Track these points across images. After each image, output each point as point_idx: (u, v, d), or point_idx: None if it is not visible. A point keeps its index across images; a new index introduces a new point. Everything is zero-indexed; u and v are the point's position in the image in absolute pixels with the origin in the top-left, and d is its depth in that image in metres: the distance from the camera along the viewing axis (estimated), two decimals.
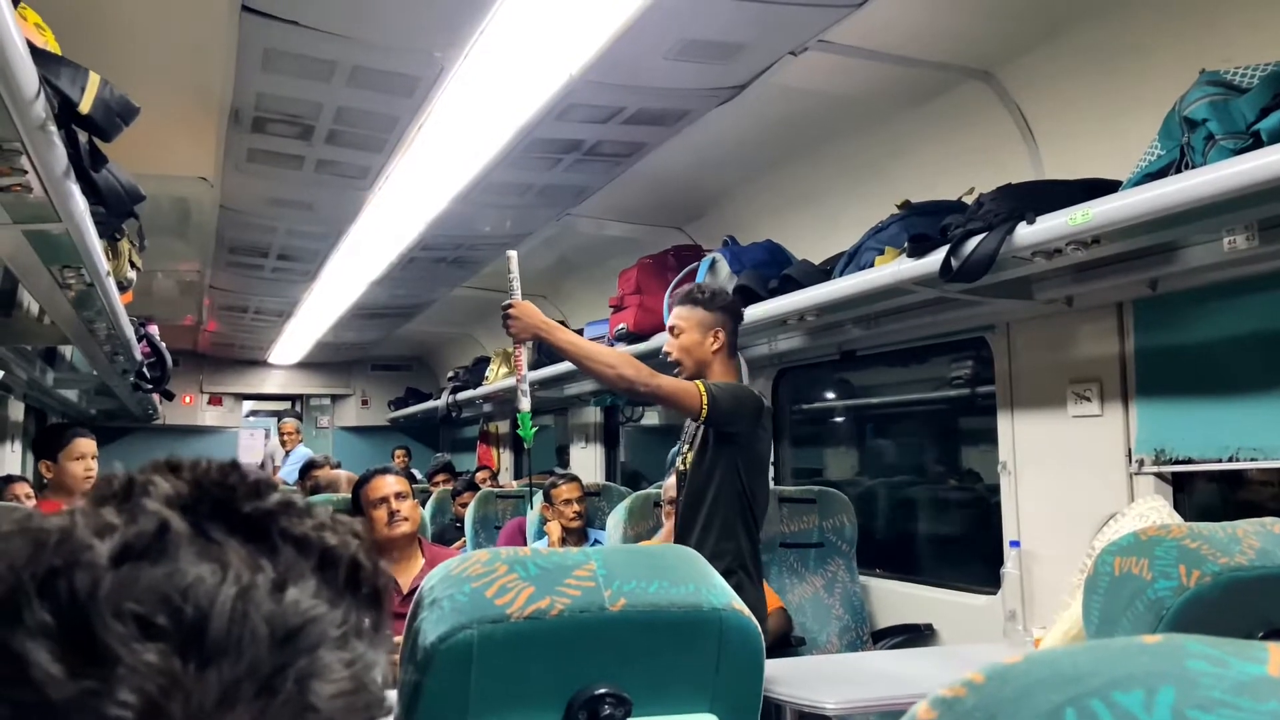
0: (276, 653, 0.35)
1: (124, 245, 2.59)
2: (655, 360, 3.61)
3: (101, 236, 2.17)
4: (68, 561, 0.35)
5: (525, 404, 2.38)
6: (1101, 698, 0.37)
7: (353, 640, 0.38)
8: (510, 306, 2.28)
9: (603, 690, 1.10)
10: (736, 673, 1.17)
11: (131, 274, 2.75)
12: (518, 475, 7.23)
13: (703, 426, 2.29)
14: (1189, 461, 2.30)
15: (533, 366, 3.86)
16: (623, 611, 1.11)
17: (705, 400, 2.20)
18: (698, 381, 2.25)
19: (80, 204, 1.76)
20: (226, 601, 0.35)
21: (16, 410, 5.09)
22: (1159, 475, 2.37)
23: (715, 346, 2.39)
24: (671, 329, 2.43)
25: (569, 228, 4.26)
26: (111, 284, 2.52)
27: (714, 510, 2.29)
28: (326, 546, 0.40)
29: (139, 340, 3.80)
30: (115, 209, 1.77)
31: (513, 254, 2.39)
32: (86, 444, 3.07)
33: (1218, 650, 0.39)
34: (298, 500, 0.42)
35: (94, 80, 1.40)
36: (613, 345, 4.12)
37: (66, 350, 4.50)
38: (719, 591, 1.18)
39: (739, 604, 1.18)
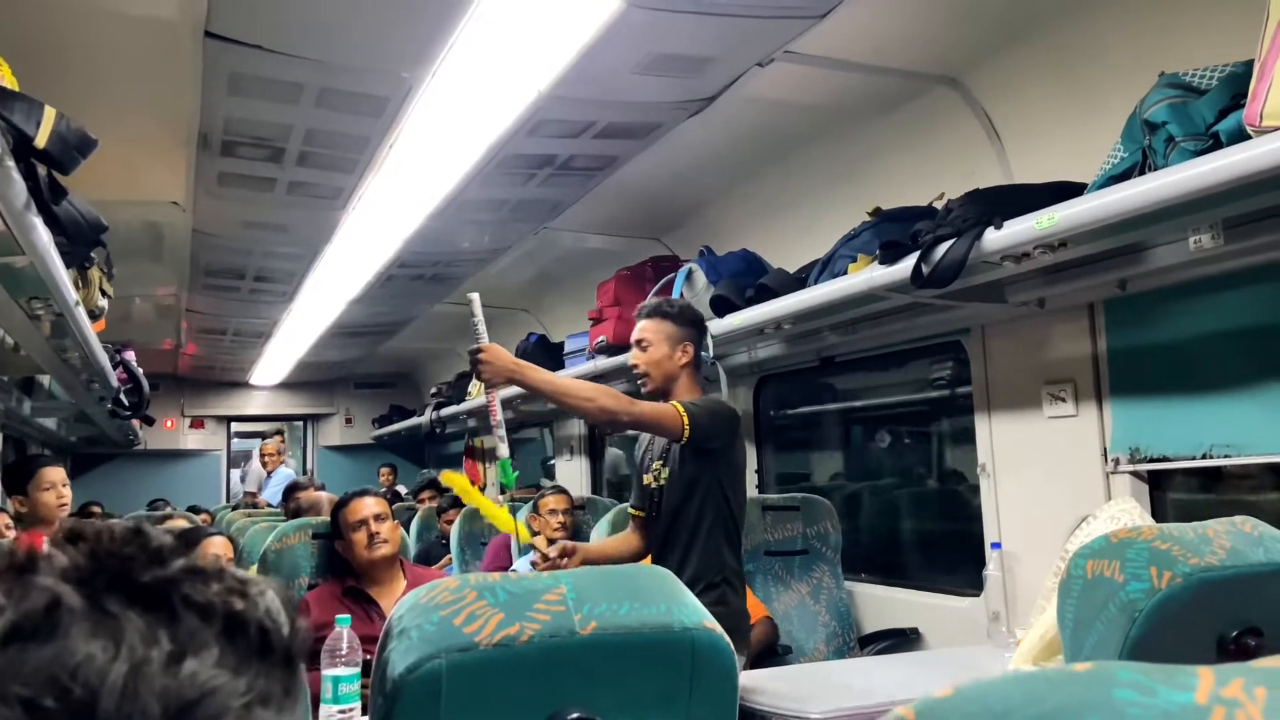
0: None
1: (94, 273, 2.57)
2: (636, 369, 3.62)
3: (69, 266, 2.16)
4: None
5: (503, 450, 2.36)
6: None
7: (257, 709, 0.38)
8: (480, 351, 2.21)
9: (576, 715, 1.09)
10: (710, 691, 1.17)
11: (103, 302, 2.73)
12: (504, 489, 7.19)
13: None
14: (1164, 459, 2.32)
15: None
16: (593, 635, 1.11)
17: (686, 422, 2.20)
18: (674, 403, 2.24)
19: (44, 236, 1.75)
20: (118, 680, 0.34)
21: None
22: (1135, 474, 2.38)
23: (684, 360, 2.39)
24: (639, 342, 2.42)
25: (547, 241, 4.27)
26: (82, 313, 2.50)
27: (698, 525, 2.28)
28: (232, 611, 0.39)
29: (115, 367, 3.77)
30: (78, 239, 1.75)
31: (474, 296, 2.31)
32: (54, 473, 3.04)
33: (1147, 678, 0.39)
34: (207, 564, 0.41)
35: (49, 114, 1.39)
36: (593, 358, 4.13)
37: (44, 379, 4.46)
38: (690, 610, 1.17)
39: (711, 622, 1.17)
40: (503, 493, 3.49)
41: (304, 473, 8.86)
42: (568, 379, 2.35)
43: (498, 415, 2.35)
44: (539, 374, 2.26)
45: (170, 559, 0.40)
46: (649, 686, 1.14)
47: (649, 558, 2.36)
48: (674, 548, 2.28)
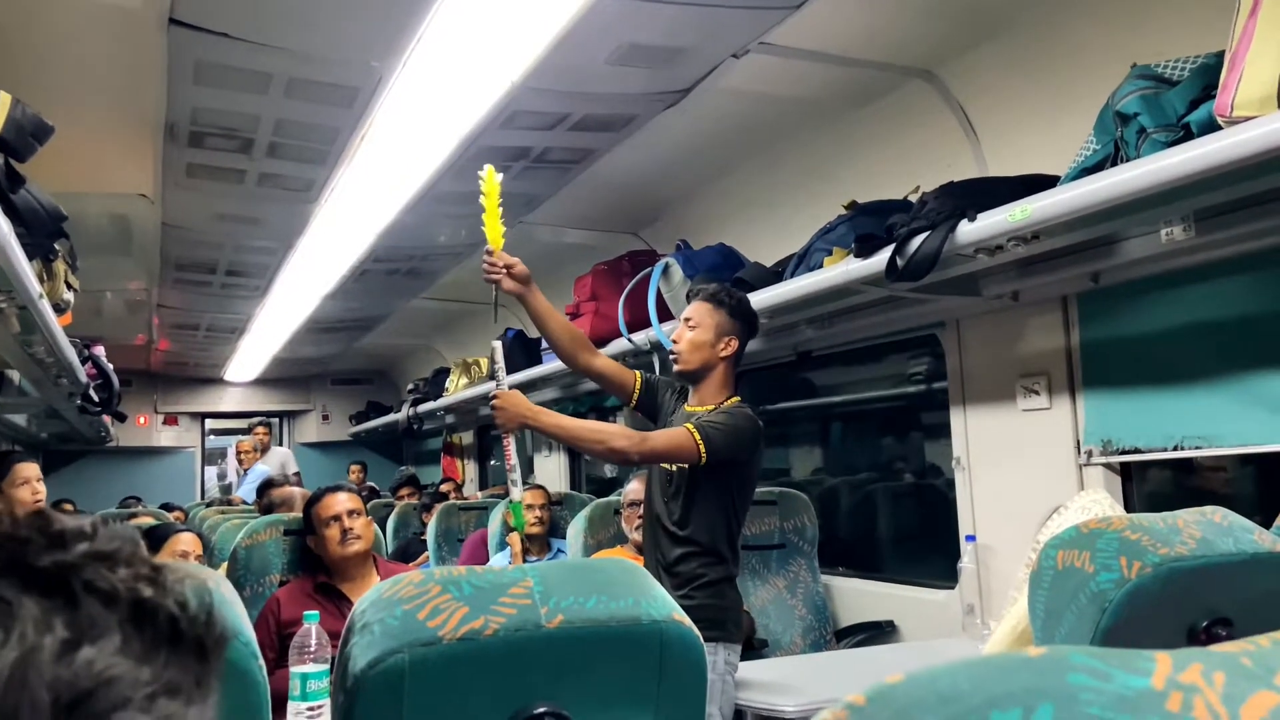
0: (62, 719, 0.33)
1: (59, 266, 2.52)
2: (632, 360, 3.59)
3: (31, 258, 2.12)
4: None
5: (516, 494, 2.36)
6: (979, 716, 0.36)
7: (162, 700, 0.36)
8: (496, 398, 2.23)
9: (542, 709, 1.08)
10: (680, 684, 1.16)
11: (69, 295, 2.68)
12: (483, 485, 7.18)
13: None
14: (1136, 451, 2.33)
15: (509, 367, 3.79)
16: (560, 628, 1.09)
17: (703, 448, 2.15)
18: (689, 427, 2.18)
19: (3, 226, 1.71)
20: (5, 668, 0.33)
21: None
22: (1107, 466, 2.39)
23: (725, 353, 2.32)
24: (686, 320, 2.34)
25: (524, 236, 4.23)
26: (47, 306, 2.45)
27: (704, 525, 2.25)
28: (139, 599, 0.37)
29: (84, 362, 3.72)
30: (37, 230, 1.72)
31: (497, 344, 2.37)
32: (28, 468, 3.00)
33: (1103, 663, 0.38)
34: (118, 549, 0.39)
35: (4, 100, 1.36)
36: None
37: (13, 375, 4.40)
38: (659, 603, 1.16)
39: (680, 615, 1.16)
40: (509, 529, 3.50)
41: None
42: (579, 422, 2.31)
43: (512, 459, 2.34)
44: (551, 418, 2.25)
45: (73, 543, 0.38)
46: (617, 680, 1.12)
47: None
48: (686, 539, 2.25)
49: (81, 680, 0.34)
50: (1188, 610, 1.41)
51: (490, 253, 2.32)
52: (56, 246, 2.31)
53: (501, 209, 2.31)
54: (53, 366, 3.35)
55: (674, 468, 2.29)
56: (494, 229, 2.31)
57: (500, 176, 2.29)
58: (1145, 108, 1.84)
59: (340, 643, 1.09)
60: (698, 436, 2.16)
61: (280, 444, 8.66)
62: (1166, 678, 0.38)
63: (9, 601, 0.35)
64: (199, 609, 0.39)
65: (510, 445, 2.35)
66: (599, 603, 1.12)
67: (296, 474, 7.42)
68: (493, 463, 7.37)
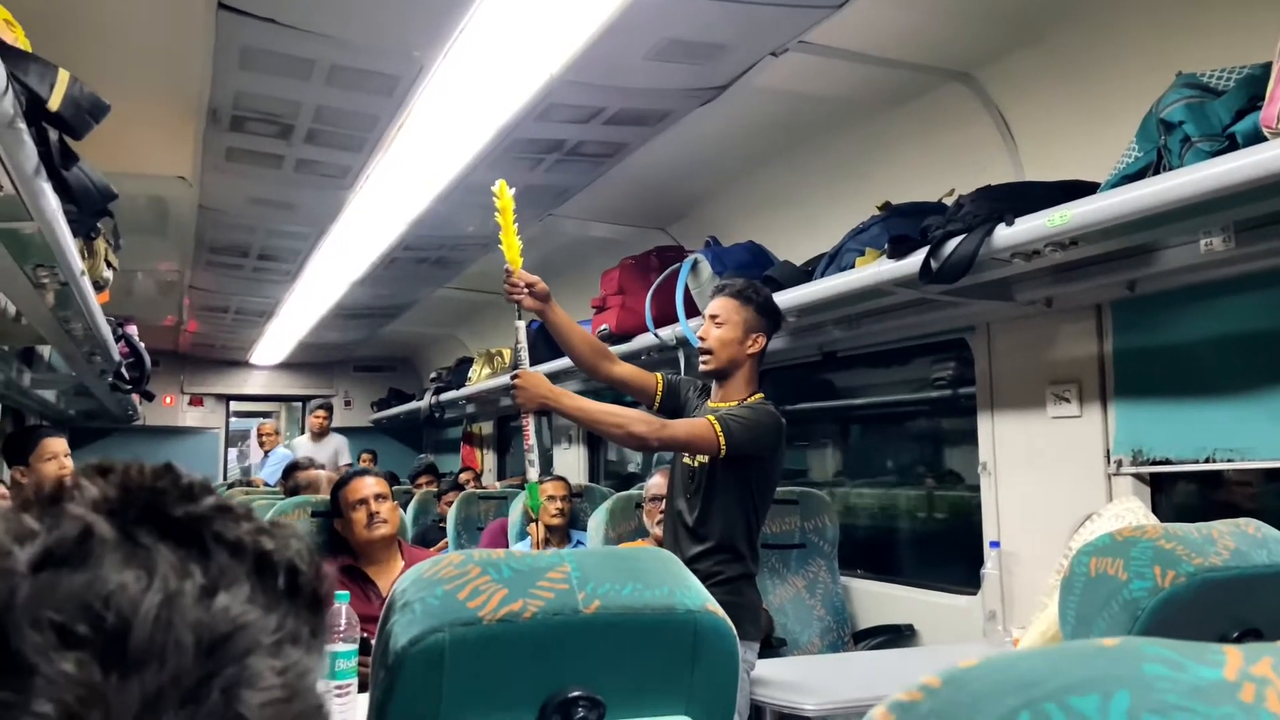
0: (202, 661, 0.34)
1: (100, 244, 2.56)
2: (640, 359, 3.61)
3: (76, 235, 2.15)
4: None
5: (533, 474, 2.36)
6: (1056, 702, 0.37)
7: (287, 647, 0.37)
8: (518, 377, 2.25)
9: (576, 693, 1.09)
10: (712, 675, 1.17)
11: (108, 273, 2.72)
12: (501, 476, 7.21)
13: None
14: (1166, 462, 2.32)
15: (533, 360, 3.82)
16: (596, 614, 1.10)
17: (723, 440, 2.15)
18: (710, 418, 2.18)
19: (52, 202, 1.74)
20: (150, 609, 0.34)
21: None
22: (1137, 476, 2.38)
23: (752, 350, 2.32)
24: (713, 317, 2.34)
25: (551, 228, 4.25)
26: (87, 283, 2.49)
27: (723, 522, 2.25)
28: (262, 551, 0.39)
29: (117, 340, 3.76)
30: (87, 207, 1.75)
31: (521, 325, 2.37)
32: (56, 443, 3.03)
33: (1175, 653, 0.39)
34: (235, 504, 0.41)
35: (63, 77, 1.38)
36: None
37: (44, 350, 4.45)
38: (693, 593, 1.17)
39: (713, 605, 1.17)
40: (530, 519, 3.52)
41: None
42: (598, 405, 2.30)
43: (530, 439, 2.34)
44: (572, 400, 2.27)
45: (200, 496, 0.39)
46: (650, 667, 1.13)
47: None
48: (706, 535, 2.26)
49: (220, 624, 0.35)
50: (1219, 621, 1.40)
51: (510, 272, 2.32)
52: (99, 225, 2.35)
53: (517, 214, 2.33)
54: (87, 343, 3.40)
55: (695, 464, 2.30)
56: (511, 246, 2.32)
57: (513, 190, 2.29)
58: (1190, 116, 1.83)
59: (380, 620, 1.10)
60: (718, 428, 2.16)
61: (302, 430, 8.66)
62: (1239, 670, 0.38)
63: (147, 548, 0.36)
64: (312, 562, 0.41)
65: (529, 425, 2.36)
66: (634, 590, 1.14)
67: (348, 465, 6.96)
68: (511, 453, 7.41)
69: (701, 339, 2.37)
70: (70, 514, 0.36)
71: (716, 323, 2.34)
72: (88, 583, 0.34)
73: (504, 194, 2.28)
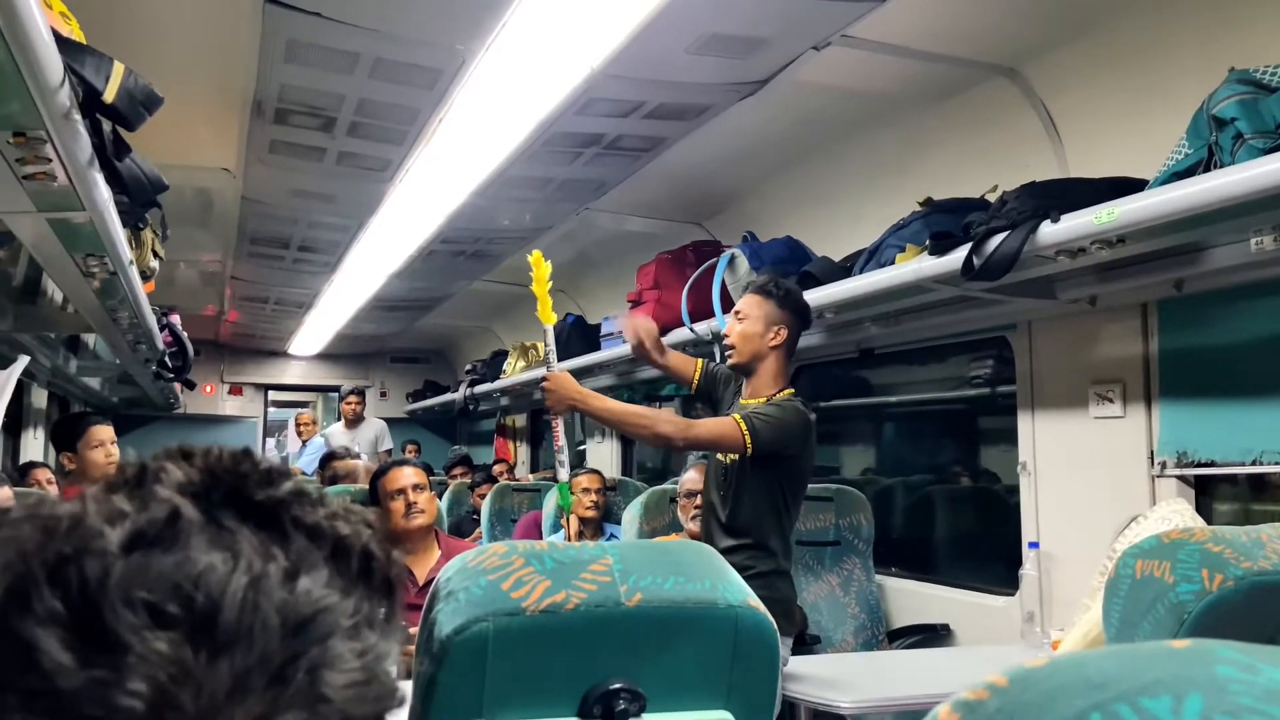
0: (288, 642, 0.35)
1: (147, 235, 2.60)
2: (693, 350, 3.61)
3: (125, 226, 2.19)
4: (78, 549, 0.35)
5: (564, 474, 2.45)
6: (1128, 703, 0.36)
7: (365, 630, 0.38)
8: (546, 380, 2.31)
9: (618, 685, 1.10)
10: (752, 670, 1.17)
11: (154, 263, 2.76)
12: (534, 468, 7.24)
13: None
14: (1211, 464, 2.28)
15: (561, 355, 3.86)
16: (638, 607, 1.11)
17: (749, 438, 2.18)
18: (736, 417, 2.21)
19: (104, 193, 1.77)
20: (238, 590, 0.35)
21: (40, 398, 5.15)
22: (1181, 478, 2.34)
23: (774, 342, 2.36)
24: (736, 313, 2.42)
25: (588, 222, 4.26)
26: (134, 273, 2.53)
27: (752, 518, 2.27)
28: (339, 536, 0.40)
29: (161, 329, 3.83)
30: (138, 198, 1.78)
31: (549, 327, 2.42)
32: (104, 431, 3.09)
33: (1247, 656, 0.38)
34: (310, 489, 0.41)
35: (118, 69, 1.41)
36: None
37: (90, 339, 4.55)
38: (735, 588, 1.17)
39: (755, 601, 1.17)
40: (561, 515, 3.56)
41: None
42: (626, 406, 2.37)
43: (560, 440, 2.39)
44: (600, 402, 2.32)
45: (279, 481, 0.40)
46: (691, 661, 1.14)
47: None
48: (731, 530, 2.28)
49: (303, 607, 0.36)
50: (1267, 625, 1.38)
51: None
52: (147, 216, 2.39)
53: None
54: (132, 332, 3.46)
55: (727, 460, 2.32)
56: (547, 315, 2.40)
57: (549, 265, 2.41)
58: (1243, 113, 1.80)
59: (424, 608, 1.12)
60: (744, 427, 2.18)
61: (338, 419, 8.70)
62: None
63: (231, 531, 0.37)
64: (384, 548, 0.41)
65: (559, 427, 2.40)
66: (676, 584, 1.14)
67: (388, 451, 6.79)
68: (544, 446, 7.44)
69: (725, 335, 2.43)
70: (159, 496, 0.37)
71: (739, 318, 2.40)
72: (177, 564, 0.35)
73: (540, 265, 2.38)
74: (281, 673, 0.35)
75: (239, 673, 0.34)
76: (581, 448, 6.13)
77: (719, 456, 2.37)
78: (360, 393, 7.23)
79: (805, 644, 2.98)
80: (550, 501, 3.96)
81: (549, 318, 2.40)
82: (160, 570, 0.35)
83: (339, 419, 7.58)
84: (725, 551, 2.25)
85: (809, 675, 2.26)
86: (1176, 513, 1.85)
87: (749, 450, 2.18)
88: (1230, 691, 0.36)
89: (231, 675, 0.34)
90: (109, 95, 1.37)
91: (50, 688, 0.32)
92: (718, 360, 3.53)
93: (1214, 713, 0.36)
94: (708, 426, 2.26)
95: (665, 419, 2.26)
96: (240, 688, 0.34)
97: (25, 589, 0.34)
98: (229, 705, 0.33)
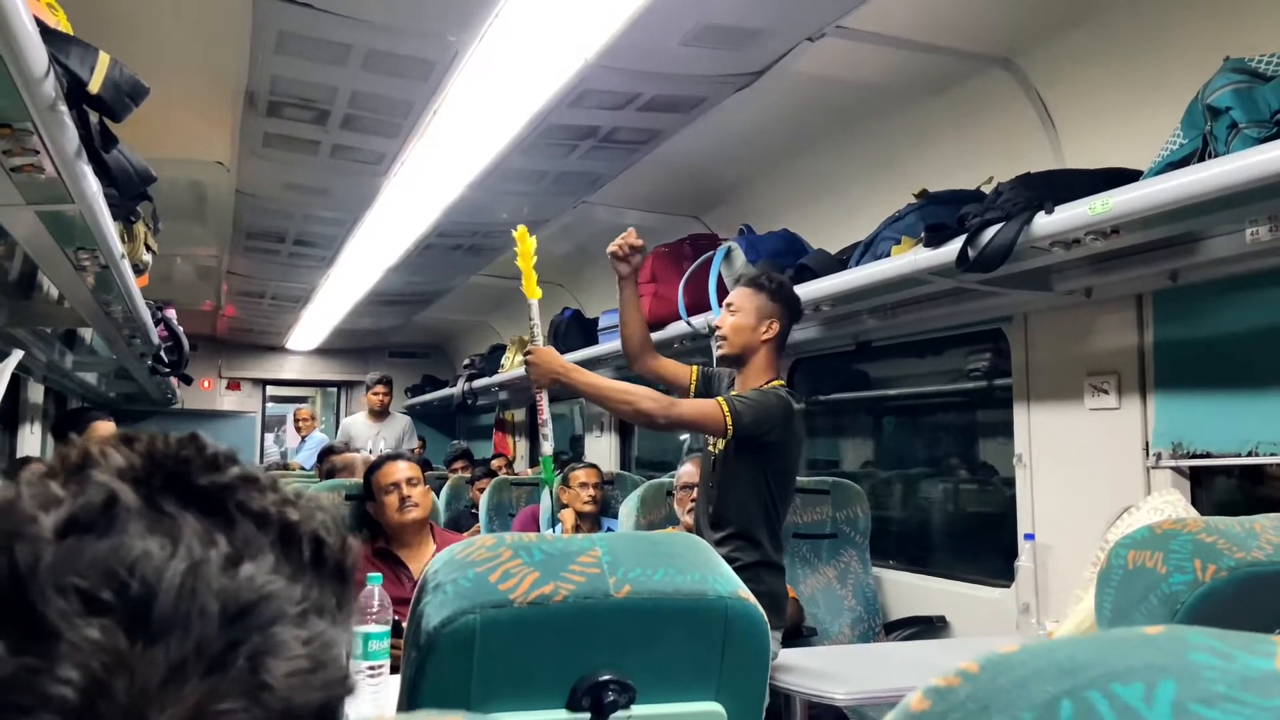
0: (227, 630, 0.34)
1: (139, 228, 2.59)
2: (673, 347, 3.61)
3: (116, 219, 2.18)
4: (9, 533, 0.34)
5: (547, 448, 2.44)
6: (1100, 689, 0.36)
7: (312, 617, 0.37)
8: (530, 354, 2.32)
9: (606, 677, 1.09)
10: (742, 661, 1.16)
11: (147, 257, 2.75)
12: (533, 463, 7.24)
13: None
14: (1207, 455, 2.27)
15: (559, 349, 3.85)
16: (627, 598, 1.10)
17: (730, 419, 2.19)
18: (719, 399, 2.23)
19: (93, 185, 1.76)
20: (175, 576, 0.34)
21: (36, 393, 5.13)
22: (1176, 469, 2.34)
23: (766, 335, 2.37)
24: (728, 305, 2.42)
25: (585, 215, 4.25)
26: (127, 266, 2.52)
27: (740, 505, 2.28)
28: (287, 522, 0.39)
29: (156, 324, 3.82)
30: (127, 190, 1.77)
31: (534, 302, 2.42)
32: (105, 426, 3.09)
33: (1223, 643, 0.38)
34: (260, 475, 0.41)
35: (104, 60, 1.40)
36: None
37: (86, 333, 4.53)
38: (725, 579, 1.17)
39: (745, 592, 1.17)
40: (565, 508, 3.56)
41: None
42: (610, 381, 2.36)
43: (544, 414, 2.39)
44: (583, 375, 2.34)
45: (225, 466, 0.39)
46: (681, 653, 1.13)
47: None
48: (719, 523, 2.28)
49: (244, 593, 0.35)
50: (1260, 616, 1.37)
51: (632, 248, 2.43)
52: (139, 209, 2.38)
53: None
54: (127, 326, 3.45)
55: (714, 450, 2.32)
56: (532, 290, 2.40)
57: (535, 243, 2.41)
58: (1238, 102, 1.79)
59: (412, 601, 1.11)
60: (725, 409, 2.20)
61: (340, 415, 8.69)
62: None
63: (172, 516, 0.36)
64: (337, 534, 0.40)
65: (543, 401, 2.40)
66: (666, 575, 1.14)
67: (415, 448, 6.30)
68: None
69: (717, 326, 2.44)
70: (95, 481, 0.37)
71: (731, 310, 2.41)
72: (112, 549, 0.34)
73: (524, 239, 2.37)
74: (220, 660, 0.34)
75: (174, 660, 0.33)
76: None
77: (709, 448, 2.37)
78: (388, 382, 6.41)
79: (802, 636, 2.99)
80: (548, 496, 3.96)
81: (534, 292, 2.41)
82: (94, 556, 0.34)
83: (336, 412, 7.51)
84: (715, 543, 2.25)
85: (805, 667, 2.26)
86: (1169, 503, 1.84)
87: (729, 431, 2.20)
88: (1205, 679, 0.36)
89: (166, 663, 0.33)
90: (94, 86, 1.36)
91: None
92: (714, 362, 3.55)
93: (1188, 700, 0.35)
94: (691, 406, 2.29)
95: (648, 396, 2.26)
96: (176, 676, 0.33)
97: None
98: (163, 693, 0.33)
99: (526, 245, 2.38)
